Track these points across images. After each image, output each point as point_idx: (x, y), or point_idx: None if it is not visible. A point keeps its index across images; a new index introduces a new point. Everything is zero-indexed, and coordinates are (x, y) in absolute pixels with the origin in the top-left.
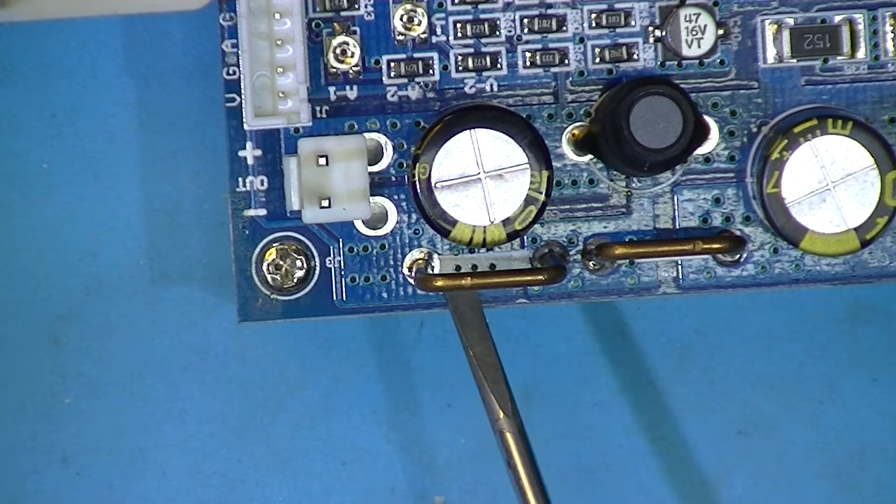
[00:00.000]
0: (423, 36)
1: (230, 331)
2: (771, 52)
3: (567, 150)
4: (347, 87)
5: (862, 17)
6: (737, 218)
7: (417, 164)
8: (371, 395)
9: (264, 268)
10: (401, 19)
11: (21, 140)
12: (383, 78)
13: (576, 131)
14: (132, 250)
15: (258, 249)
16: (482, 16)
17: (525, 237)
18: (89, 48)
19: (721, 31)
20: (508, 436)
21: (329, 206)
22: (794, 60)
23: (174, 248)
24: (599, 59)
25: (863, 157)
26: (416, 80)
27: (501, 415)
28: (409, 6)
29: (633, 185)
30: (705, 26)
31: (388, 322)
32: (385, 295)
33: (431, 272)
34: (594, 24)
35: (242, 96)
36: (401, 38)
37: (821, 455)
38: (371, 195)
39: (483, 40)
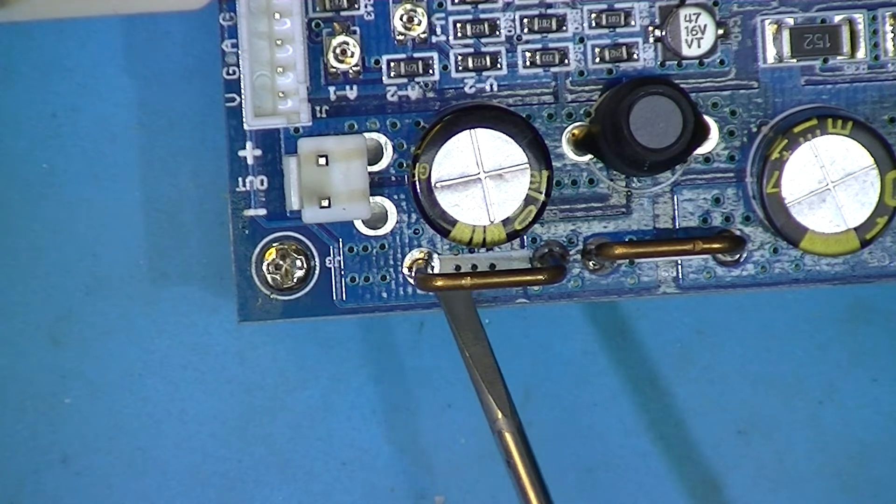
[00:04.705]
0: (423, 36)
1: (230, 331)
2: (771, 52)
3: (567, 149)
4: (347, 87)
5: (862, 17)
6: (737, 218)
7: (417, 164)
8: (371, 395)
9: (264, 268)
10: (401, 19)
11: (21, 140)
12: (383, 78)
13: (576, 131)
14: (132, 250)
15: (258, 249)
16: (482, 16)
17: (525, 237)
18: (89, 48)
19: (721, 31)
20: (507, 436)
21: (329, 206)
22: (794, 60)
23: (174, 248)
24: (599, 59)
25: (863, 157)
26: (416, 79)
27: (500, 415)
28: (409, 6)
29: (633, 185)
30: (705, 26)
31: (388, 322)
32: (385, 295)
33: (431, 272)
34: (594, 24)
35: (242, 96)
36: (401, 37)
37: (821, 455)
38: (371, 195)
39: (483, 40)
